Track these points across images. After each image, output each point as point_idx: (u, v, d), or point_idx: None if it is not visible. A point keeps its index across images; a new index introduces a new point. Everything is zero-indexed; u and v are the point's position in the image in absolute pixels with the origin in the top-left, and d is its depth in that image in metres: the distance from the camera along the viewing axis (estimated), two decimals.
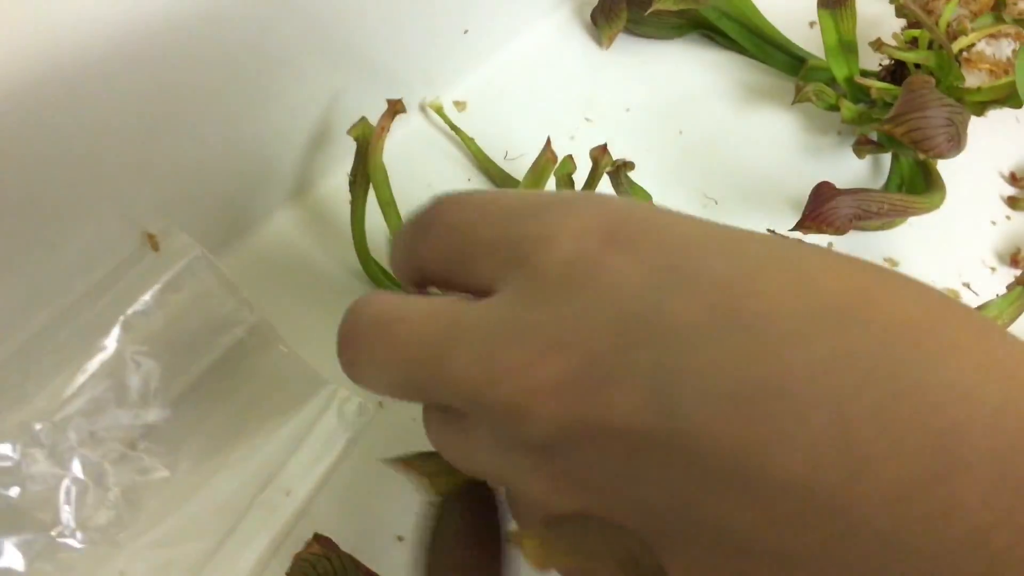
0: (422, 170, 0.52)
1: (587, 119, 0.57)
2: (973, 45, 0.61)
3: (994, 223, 0.58)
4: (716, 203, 0.55)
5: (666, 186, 0.55)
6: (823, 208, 0.46)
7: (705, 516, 0.22)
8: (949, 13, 0.56)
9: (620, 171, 0.45)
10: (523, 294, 0.25)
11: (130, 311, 0.37)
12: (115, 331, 0.37)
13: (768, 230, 0.54)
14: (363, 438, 0.41)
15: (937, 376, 0.21)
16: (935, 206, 0.52)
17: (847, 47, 0.57)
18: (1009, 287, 0.45)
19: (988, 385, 0.21)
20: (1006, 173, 0.61)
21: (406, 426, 0.42)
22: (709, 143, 0.58)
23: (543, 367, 0.23)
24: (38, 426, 0.35)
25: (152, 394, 0.38)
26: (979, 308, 0.43)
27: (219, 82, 0.39)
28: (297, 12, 0.40)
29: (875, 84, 0.55)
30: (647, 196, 0.48)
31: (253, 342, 0.41)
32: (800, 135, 0.59)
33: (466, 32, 0.53)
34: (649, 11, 0.56)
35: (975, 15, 0.61)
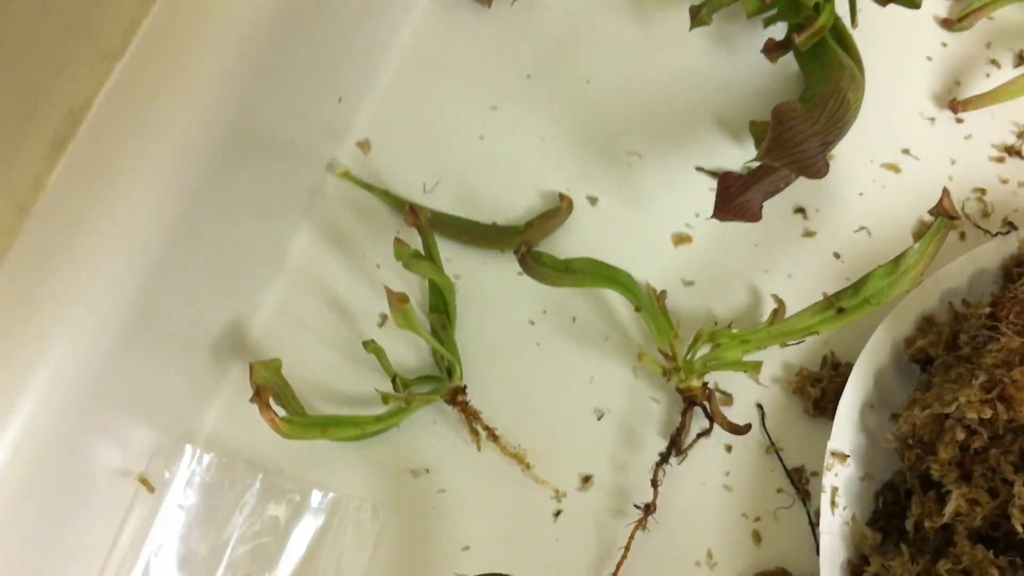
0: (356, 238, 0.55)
1: (493, 107, 0.56)
2: None
3: (930, 58, 0.56)
4: (639, 157, 0.55)
5: (586, 150, 0.55)
6: (734, 204, 0.46)
7: None
8: None
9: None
10: None
11: None
12: None
13: (696, 168, 0.54)
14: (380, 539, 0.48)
15: None
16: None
17: None
18: (932, 213, 0.45)
19: None
20: None
21: (415, 514, 0.49)
22: (619, 88, 0.56)
23: None
24: None
25: None
26: (898, 258, 0.44)
27: None
28: None
29: None
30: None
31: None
32: (710, 49, 0.57)
33: (340, 100, 0.53)
34: None
35: None
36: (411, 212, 0.47)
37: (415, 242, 0.48)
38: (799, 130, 0.43)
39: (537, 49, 0.57)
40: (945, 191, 0.45)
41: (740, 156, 0.54)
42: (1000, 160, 0.54)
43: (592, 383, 0.51)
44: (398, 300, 0.43)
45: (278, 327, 0.52)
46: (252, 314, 0.52)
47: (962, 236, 0.52)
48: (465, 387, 0.49)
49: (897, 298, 0.46)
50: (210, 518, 0.46)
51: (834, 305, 0.46)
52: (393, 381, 0.47)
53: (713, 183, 0.54)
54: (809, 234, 0.53)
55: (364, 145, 0.56)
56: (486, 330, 0.52)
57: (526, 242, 0.44)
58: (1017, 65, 0.55)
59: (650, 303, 0.48)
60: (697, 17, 0.52)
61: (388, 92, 0.57)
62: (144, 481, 0.43)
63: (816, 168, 0.43)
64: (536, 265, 0.45)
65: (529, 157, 0.55)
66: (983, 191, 0.53)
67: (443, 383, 0.50)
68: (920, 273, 0.45)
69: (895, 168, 0.54)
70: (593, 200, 0.54)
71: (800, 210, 0.53)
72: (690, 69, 0.56)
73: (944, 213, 0.45)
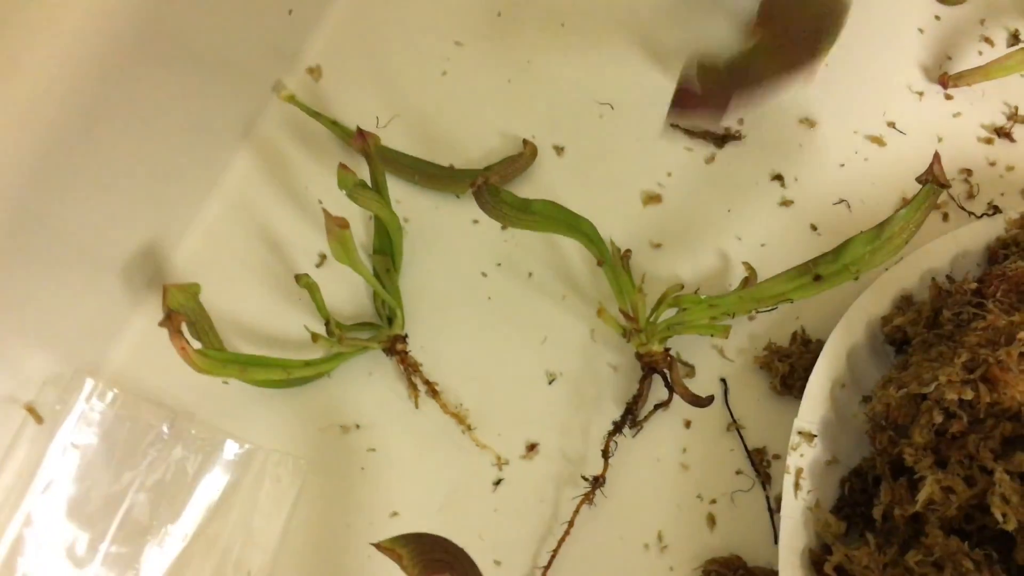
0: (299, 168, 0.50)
1: (458, 43, 0.52)
2: None
3: (922, 30, 0.53)
4: (612, 108, 0.51)
5: (555, 97, 0.51)
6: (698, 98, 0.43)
7: None
8: None
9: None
10: None
11: None
12: None
13: (671, 124, 0.51)
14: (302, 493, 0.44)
15: None
16: None
17: None
18: (920, 180, 0.42)
19: None
20: None
21: (341, 473, 0.44)
22: (594, 34, 0.52)
23: None
24: None
25: None
26: (882, 224, 0.41)
27: None
28: None
29: None
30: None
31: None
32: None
33: (291, 12, 0.48)
34: None
35: None
36: (359, 136, 0.42)
37: (363, 173, 0.44)
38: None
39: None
40: (936, 156, 0.42)
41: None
42: (989, 141, 0.51)
43: (545, 343, 0.47)
44: (337, 225, 0.38)
45: (204, 256, 0.47)
46: (176, 239, 0.47)
47: (945, 217, 0.49)
48: (406, 336, 0.45)
49: (877, 270, 0.42)
50: (107, 461, 0.41)
51: (811, 271, 0.42)
52: (327, 324, 0.43)
53: (689, 141, 0.50)
54: (786, 203, 0.50)
55: (315, 71, 0.51)
56: (434, 279, 0.48)
57: (485, 176, 0.40)
58: (1011, 44, 0.52)
59: (613, 258, 0.44)
60: None
61: (346, 15, 0.52)
62: (31, 410, 0.38)
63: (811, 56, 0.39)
64: (493, 201, 0.40)
65: (493, 99, 0.51)
66: (969, 171, 0.50)
67: (382, 330, 0.45)
68: (904, 242, 0.42)
69: (880, 141, 0.51)
70: (559, 149, 0.50)
71: (778, 177, 0.50)
72: (671, 13, 0.53)
73: (934, 180, 0.42)
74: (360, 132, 0.42)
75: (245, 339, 0.46)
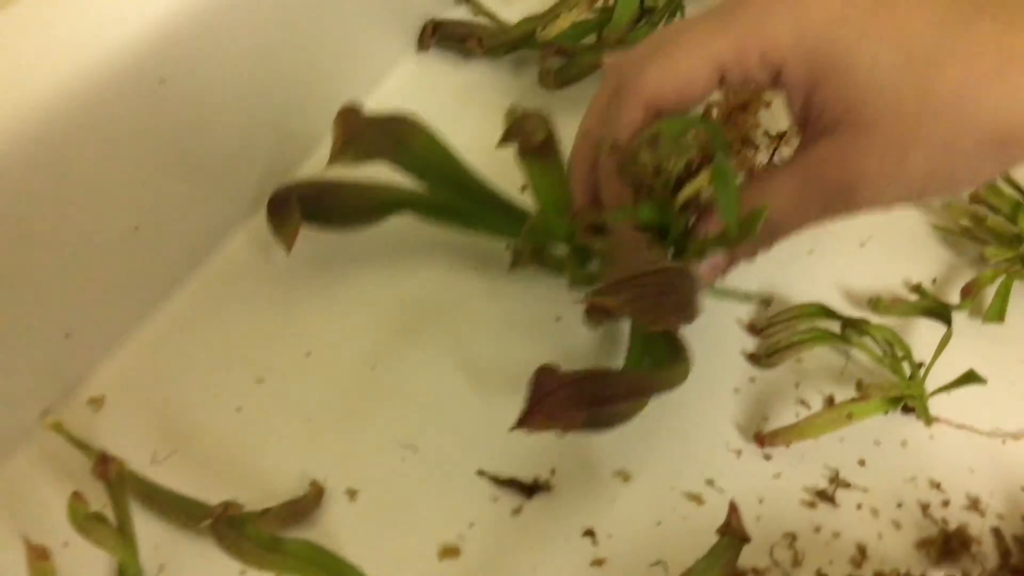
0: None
1: (259, 379, 0.50)
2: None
3: (737, 390, 0.53)
4: (415, 451, 0.48)
5: (356, 438, 0.48)
6: (545, 402, 0.38)
7: None
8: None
9: None
10: None
11: None
12: None
13: (478, 472, 0.47)
14: None
15: None
16: (678, 381, 0.46)
17: (564, 201, 0.50)
18: (719, 532, 0.38)
19: None
20: (745, 321, 0.56)
21: None
22: (402, 377, 0.51)
23: None
24: None
25: None
26: None
27: None
28: None
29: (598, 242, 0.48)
30: None
31: None
32: (524, 310, 0.53)
33: (68, 336, 0.46)
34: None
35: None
36: (101, 462, 0.38)
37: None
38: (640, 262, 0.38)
39: (323, 328, 0.52)
40: (732, 506, 0.39)
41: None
42: (811, 505, 0.48)
43: None
44: (36, 555, 0.32)
45: None
46: None
47: None
48: None
49: None
50: None
51: None
52: None
53: (496, 490, 0.47)
54: (598, 562, 0.45)
55: (97, 401, 0.48)
56: None
57: (225, 504, 0.35)
58: (827, 407, 0.52)
59: None
60: (517, 256, 0.49)
61: (142, 347, 0.50)
62: None
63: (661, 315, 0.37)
64: (233, 534, 0.35)
65: (289, 437, 0.48)
66: (794, 536, 0.47)
67: None
68: None
69: (698, 499, 0.48)
70: (352, 494, 0.46)
71: (590, 532, 0.46)
72: (501, 321, 0.52)
73: (732, 532, 0.38)
74: (102, 458, 0.38)
75: None
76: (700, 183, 0.42)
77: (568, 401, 0.38)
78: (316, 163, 0.59)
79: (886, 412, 0.50)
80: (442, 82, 0.66)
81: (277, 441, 0.47)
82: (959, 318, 0.58)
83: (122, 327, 0.49)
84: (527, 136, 0.48)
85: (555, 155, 0.50)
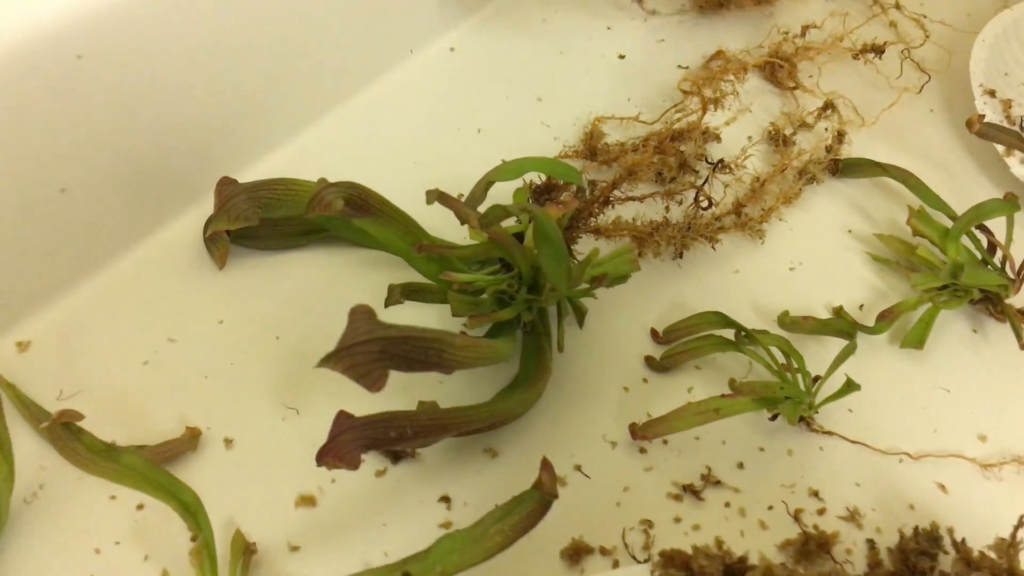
0: None
1: (171, 339, 0.54)
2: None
3: (627, 389, 0.54)
4: (297, 413, 0.51)
5: (246, 397, 0.51)
6: (336, 442, 0.40)
7: None
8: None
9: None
10: None
11: None
12: None
13: None
14: None
15: None
16: (518, 410, 0.50)
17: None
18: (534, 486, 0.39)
19: None
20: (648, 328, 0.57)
21: None
22: (305, 350, 0.54)
23: None
24: None
25: None
26: (475, 525, 0.38)
27: None
28: None
29: (478, 278, 0.50)
30: None
31: None
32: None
33: None
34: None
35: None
36: None
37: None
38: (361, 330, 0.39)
39: (242, 302, 0.56)
40: (545, 462, 0.40)
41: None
42: (677, 498, 0.49)
43: None
44: None
45: None
46: None
47: (615, 564, 0.46)
48: None
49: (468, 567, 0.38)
50: None
51: (401, 569, 0.39)
52: None
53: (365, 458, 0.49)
54: (446, 524, 0.46)
55: (23, 345, 0.52)
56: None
57: (65, 413, 0.38)
58: (696, 402, 0.53)
59: (209, 541, 0.41)
60: (391, 293, 0.52)
61: (77, 302, 0.55)
62: None
63: (374, 380, 0.39)
64: (68, 438, 0.39)
65: (185, 390, 0.51)
66: (650, 523, 0.47)
67: None
68: (499, 546, 0.39)
69: (562, 481, 0.49)
70: (228, 442, 0.49)
71: (445, 498, 0.47)
72: None
73: (540, 488, 0.40)
74: None
75: None
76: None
77: (352, 444, 0.40)
78: (269, 163, 0.64)
79: (756, 411, 0.50)
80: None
81: (171, 392, 0.51)
82: (880, 342, 0.58)
83: (56, 284, 0.54)
84: (327, 207, 0.48)
85: (375, 210, 0.51)
